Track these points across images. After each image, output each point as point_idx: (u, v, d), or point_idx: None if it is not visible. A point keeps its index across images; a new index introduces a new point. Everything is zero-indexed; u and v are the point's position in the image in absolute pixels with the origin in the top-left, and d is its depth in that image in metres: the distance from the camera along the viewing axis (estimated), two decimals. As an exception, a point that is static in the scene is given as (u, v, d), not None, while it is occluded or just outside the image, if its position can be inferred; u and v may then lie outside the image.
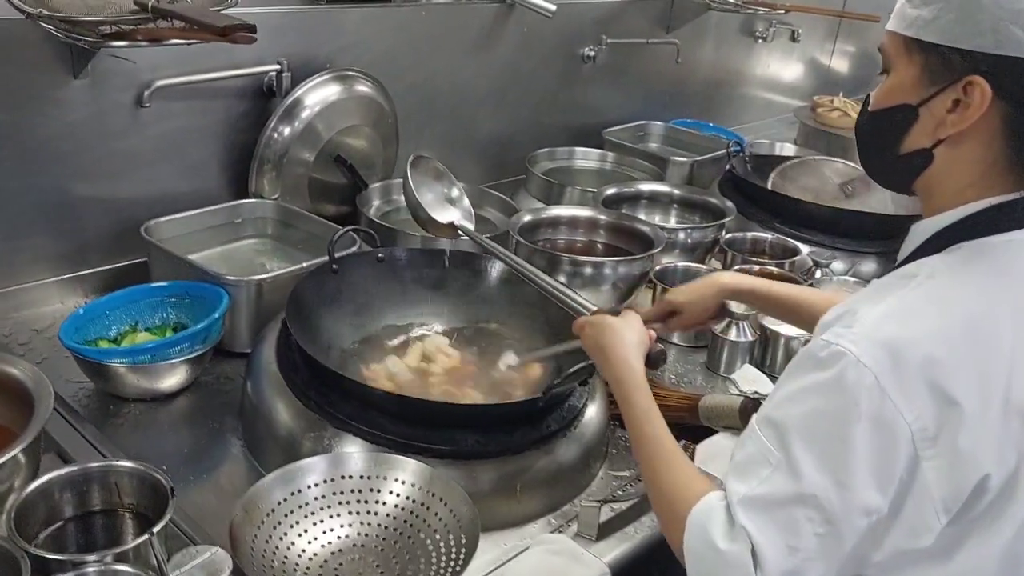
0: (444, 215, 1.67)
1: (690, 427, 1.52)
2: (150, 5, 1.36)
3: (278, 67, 1.94)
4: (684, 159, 2.71)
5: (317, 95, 2.00)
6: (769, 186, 2.47)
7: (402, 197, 2.24)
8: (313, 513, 1.24)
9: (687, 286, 1.48)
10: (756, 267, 2.01)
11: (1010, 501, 0.95)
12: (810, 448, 0.92)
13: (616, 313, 1.33)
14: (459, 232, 1.66)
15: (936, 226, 1.00)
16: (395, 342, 1.66)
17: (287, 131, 1.97)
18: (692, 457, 1.36)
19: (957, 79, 0.93)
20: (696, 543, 0.97)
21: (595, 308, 1.39)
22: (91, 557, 1.00)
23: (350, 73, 2.08)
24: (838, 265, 2.13)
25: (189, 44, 1.44)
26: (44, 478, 1.09)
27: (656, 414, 1.15)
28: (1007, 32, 0.89)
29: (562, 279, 1.83)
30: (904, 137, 1.00)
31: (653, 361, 1.27)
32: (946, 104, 0.95)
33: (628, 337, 1.26)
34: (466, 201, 1.72)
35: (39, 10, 1.37)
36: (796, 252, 2.13)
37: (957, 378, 0.89)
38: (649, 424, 1.14)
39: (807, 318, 1.36)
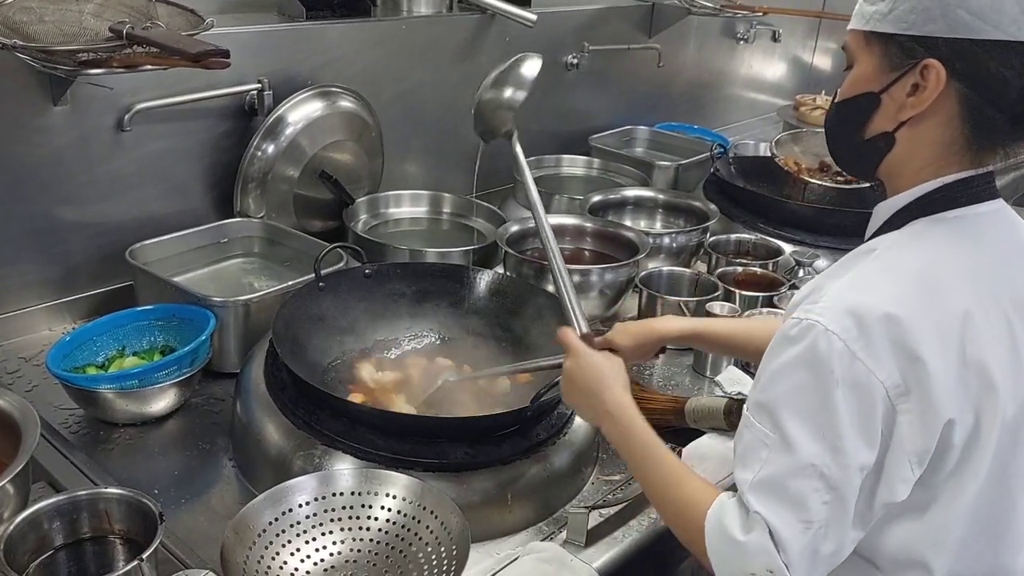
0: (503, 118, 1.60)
1: (677, 430, 1.53)
2: (124, 32, 1.37)
3: (259, 86, 1.95)
4: (669, 163, 2.72)
5: (300, 112, 2.01)
6: (770, 152, 2.53)
7: (389, 210, 2.28)
8: (305, 532, 1.24)
9: (630, 328, 1.46)
10: (740, 268, 2.02)
11: (972, 459, 1.00)
12: (800, 421, 0.96)
13: (596, 335, 1.35)
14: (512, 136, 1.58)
15: (896, 205, 1.06)
16: (385, 357, 1.66)
17: (271, 149, 1.98)
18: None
19: (914, 64, 0.99)
20: (717, 543, 1.00)
21: (586, 328, 1.36)
22: (82, 585, 1.01)
23: (332, 89, 2.08)
24: (821, 263, 2.14)
25: (166, 69, 1.45)
26: (32, 508, 1.10)
27: (656, 438, 1.16)
28: (956, 16, 0.95)
29: (551, 288, 1.84)
30: (868, 122, 1.06)
31: None
32: (906, 88, 1.01)
33: (619, 380, 1.24)
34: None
35: (14, 40, 1.37)
36: (779, 252, 2.15)
37: (918, 335, 0.94)
38: (654, 448, 1.15)
39: (748, 348, 1.42)
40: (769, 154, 2.58)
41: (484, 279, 1.75)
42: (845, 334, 0.94)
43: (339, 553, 1.24)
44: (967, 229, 1.03)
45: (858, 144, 1.08)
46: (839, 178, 2.48)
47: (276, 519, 1.22)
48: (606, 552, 1.32)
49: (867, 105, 1.05)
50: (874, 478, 0.98)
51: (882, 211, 1.08)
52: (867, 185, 2.40)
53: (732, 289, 1.93)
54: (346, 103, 2.10)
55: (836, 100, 1.10)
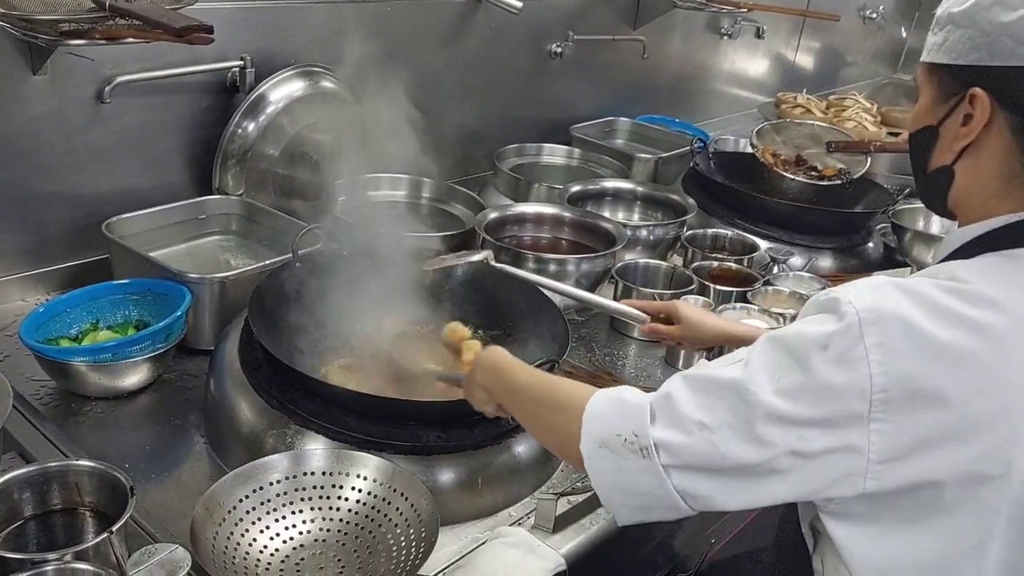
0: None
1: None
2: (107, 4, 1.36)
3: (241, 63, 1.94)
4: (649, 156, 2.73)
5: (282, 91, 2.00)
6: (750, 142, 2.56)
7: (368, 192, 2.27)
8: (275, 510, 1.25)
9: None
10: (715, 263, 2.05)
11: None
12: (768, 353, 0.95)
13: None
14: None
15: (964, 237, 1.04)
16: (360, 339, 1.67)
17: (251, 127, 1.97)
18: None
19: (963, 94, 1.00)
20: (599, 404, 1.00)
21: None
22: (51, 556, 1.01)
23: (315, 69, 2.08)
24: (796, 261, 2.17)
25: (148, 43, 1.44)
26: (3, 478, 1.10)
27: (528, 366, 1.22)
28: (999, 44, 0.96)
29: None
30: (930, 156, 1.07)
31: None
32: (959, 120, 1.02)
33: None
34: None
35: (-4, 8, 1.36)
36: (755, 248, 2.17)
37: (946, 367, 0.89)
38: (524, 371, 1.20)
39: None
40: (749, 149, 2.60)
41: (461, 264, 1.75)
42: (865, 313, 0.89)
43: (309, 532, 1.25)
44: None
45: (925, 179, 1.09)
46: (812, 173, 2.51)
47: (247, 496, 1.23)
48: (573, 538, 1.34)
49: (927, 139, 1.06)
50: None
51: (950, 241, 1.06)
52: (840, 183, 2.43)
53: (707, 283, 1.96)
54: (328, 83, 2.10)
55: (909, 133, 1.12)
